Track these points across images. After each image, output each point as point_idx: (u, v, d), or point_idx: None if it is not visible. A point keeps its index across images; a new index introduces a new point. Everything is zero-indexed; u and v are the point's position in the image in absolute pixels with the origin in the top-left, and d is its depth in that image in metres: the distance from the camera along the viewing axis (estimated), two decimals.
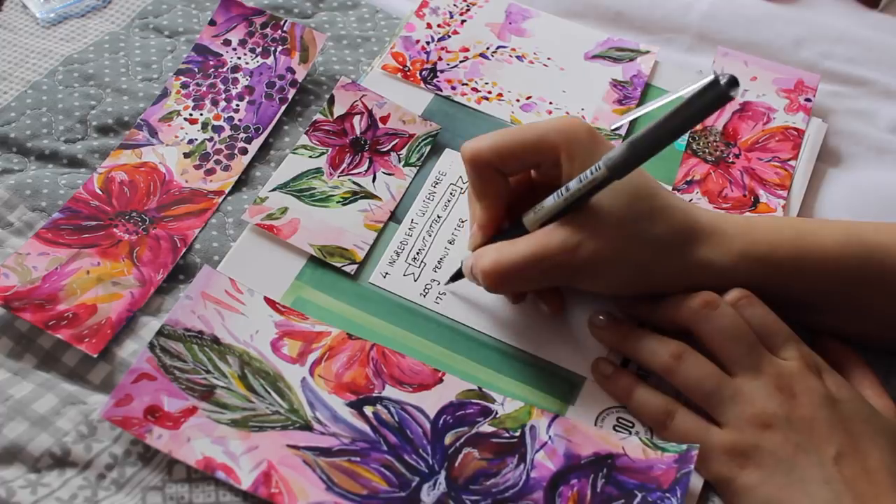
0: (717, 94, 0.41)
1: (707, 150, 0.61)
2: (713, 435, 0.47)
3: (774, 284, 0.49)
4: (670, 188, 0.59)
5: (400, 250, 0.55)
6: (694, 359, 0.48)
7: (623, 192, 0.48)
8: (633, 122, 0.63)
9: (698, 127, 0.62)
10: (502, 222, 0.52)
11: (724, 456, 0.46)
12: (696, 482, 0.47)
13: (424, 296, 0.54)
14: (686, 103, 0.42)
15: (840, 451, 0.45)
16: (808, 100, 0.64)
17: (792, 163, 0.61)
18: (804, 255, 0.49)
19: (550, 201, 0.48)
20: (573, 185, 0.47)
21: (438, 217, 0.57)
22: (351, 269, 0.54)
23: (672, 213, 0.49)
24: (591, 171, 0.46)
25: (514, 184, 0.52)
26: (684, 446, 0.47)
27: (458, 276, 0.53)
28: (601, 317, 0.52)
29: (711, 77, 0.41)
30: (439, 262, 0.55)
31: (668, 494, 0.46)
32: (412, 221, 0.57)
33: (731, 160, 0.61)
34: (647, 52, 0.66)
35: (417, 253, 0.55)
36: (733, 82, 0.41)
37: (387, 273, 0.54)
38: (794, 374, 0.47)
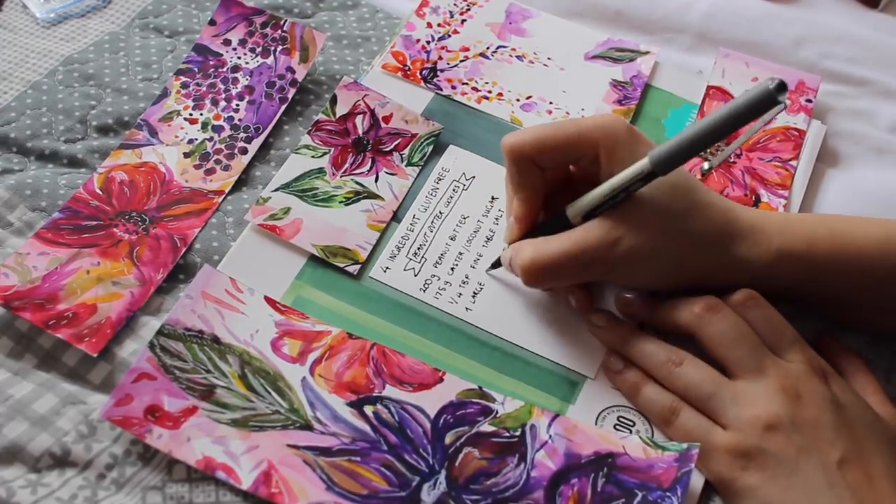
0: (763, 96, 0.42)
1: (708, 150, 0.61)
2: (716, 435, 0.47)
3: (812, 282, 0.50)
4: None
5: (401, 245, 0.55)
6: (693, 362, 0.49)
7: (663, 188, 0.48)
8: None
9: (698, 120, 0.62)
10: (538, 215, 0.52)
11: (726, 456, 0.46)
12: (697, 481, 0.47)
13: (424, 291, 0.54)
14: (734, 104, 0.43)
15: (844, 455, 0.45)
16: (808, 101, 0.64)
17: (793, 163, 0.61)
18: (842, 253, 0.49)
19: (593, 195, 0.49)
20: (617, 179, 0.48)
21: (440, 213, 0.57)
22: (354, 269, 0.54)
23: (711, 209, 0.49)
24: (637, 167, 0.47)
25: (550, 178, 0.52)
26: (685, 445, 0.47)
27: (497, 264, 0.54)
28: (600, 317, 0.52)
29: (763, 82, 0.42)
30: (440, 258, 0.55)
31: (668, 493, 0.46)
32: (414, 217, 0.57)
33: (732, 160, 0.61)
34: (647, 52, 0.66)
35: (419, 248, 0.55)
36: (782, 87, 0.42)
37: (387, 268, 0.54)
38: (799, 377, 0.47)
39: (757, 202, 0.59)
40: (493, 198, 0.58)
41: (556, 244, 0.49)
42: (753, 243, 0.49)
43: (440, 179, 0.58)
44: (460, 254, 0.55)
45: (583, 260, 0.48)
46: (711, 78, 0.65)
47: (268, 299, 0.52)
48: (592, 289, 0.54)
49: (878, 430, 0.46)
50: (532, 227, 0.52)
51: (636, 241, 0.48)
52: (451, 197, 0.58)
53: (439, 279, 0.54)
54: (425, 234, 0.56)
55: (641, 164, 0.47)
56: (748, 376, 0.47)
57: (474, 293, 0.54)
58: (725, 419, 0.47)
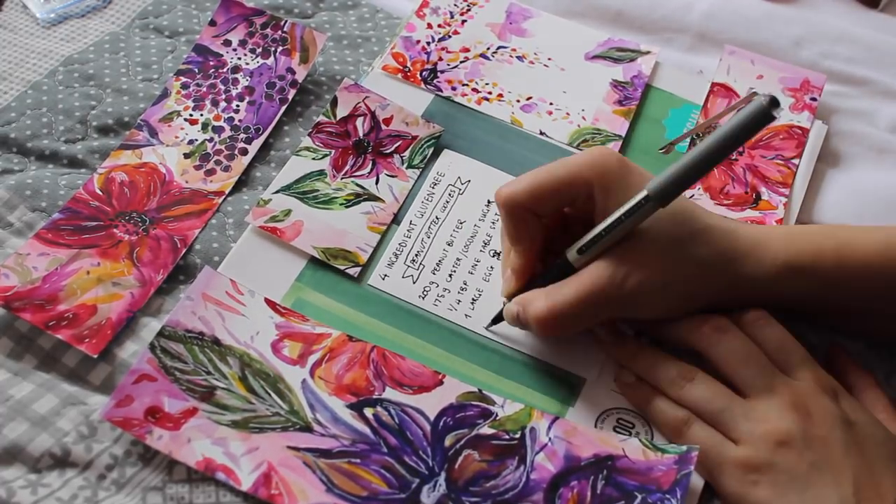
0: (759, 115, 0.42)
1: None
2: (728, 449, 0.46)
3: (818, 294, 0.50)
4: None
5: (399, 252, 0.55)
6: (704, 378, 0.48)
7: (663, 218, 0.48)
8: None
9: (701, 121, 0.62)
10: (537, 266, 0.51)
11: (737, 471, 0.46)
12: (697, 483, 0.47)
13: (423, 298, 0.54)
14: (728, 127, 0.43)
15: (855, 473, 0.45)
16: (813, 99, 0.64)
17: (795, 161, 0.61)
18: (847, 264, 0.49)
19: (594, 235, 0.48)
20: (616, 216, 0.47)
21: (437, 218, 0.57)
22: (354, 271, 0.54)
23: (713, 233, 0.49)
24: (635, 202, 0.46)
25: (547, 222, 0.51)
26: (684, 447, 0.47)
27: (498, 319, 0.52)
28: (607, 332, 0.52)
29: (755, 99, 0.42)
30: (438, 264, 0.55)
31: (668, 496, 0.46)
32: (410, 223, 0.57)
33: (734, 157, 0.61)
34: (648, 52, 0.66)
35: (416, 255, 0.55)
36: (774, 102, 0.42)
37: (386, 275, 0.54)
38: (809, 395, 0.47)
39: (757, 200, 0.59)
40: (488, 202, 0.58)
41: (569, 290, 0.48)
42: (758, 261, 0.49)
43: (436, 184, 0.58)
44: (458, 259, 0.55)
45: (597, 302, 0.48)
46: (716, 75, 0.65)
47: (268, 301, 0.52)
48: None
49: (889, 449, 0.46)
50: (530, 278, 0.51)
51: (643, 275, 0.47)
52: (447, 202, 0.58)
53: (438, 286, 0.54)
54: (423, 240, 0.56)
55: (641, 198, 0.46)
56: (758, 395, 0.47)
57: (473, 299, 0.54)
58: (737, 434, 0.47)
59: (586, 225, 0.49)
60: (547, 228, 0.51)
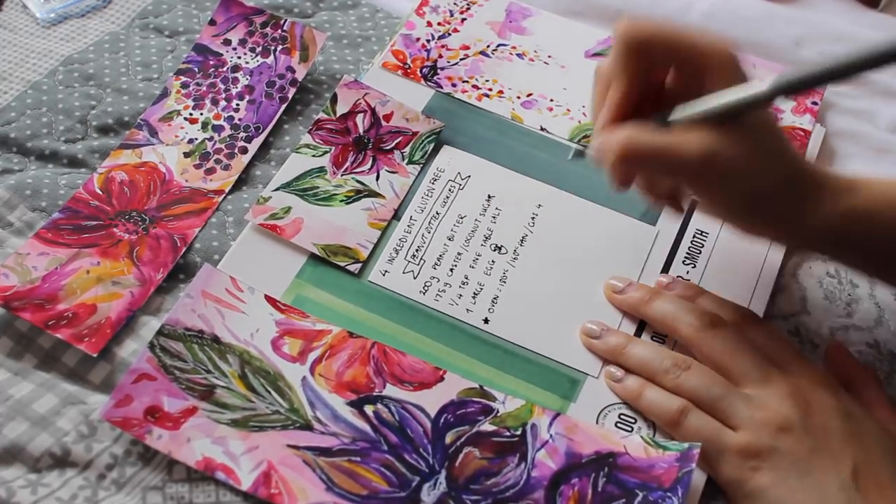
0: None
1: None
2: (727, 436, 0.46)
3: (875, 243, 0.49)
4: None
5: (399, 247, 0.55)
6: (700, 367, 0.48)
7: (761, 123, 0.46)
8: None
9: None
10: (629, 112, 0.49)
11: (737, 457, 0.46)
12: (698, 481, 0.47)
13: (424, 293, 0.54)
14: (867, 48, 0.42)
15: (855, 461, 0.45)
16: (814, 102, 0.64)
17: None
18: None
19: (705, 104, 0.47)
20: (732, 95, 0.46)
21: (437, 214, 0.57)
22: (355, 268, 0.54)
23: (795, 158, 0.48)
24: (757, 88, 0.45)
25: (645, 85, 0.49)
26: (686, 445, 0.47)
27: (581, 154, 0.52)
28: (594, 328, 0.52)
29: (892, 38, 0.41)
30: (439, 260, 0.55)
31: (669, 493, 0.45)
32: (411, 218, 0.57)
33: None
34: None
35: (417, 250, 0.55)
36: None
37: (386, 271, 0.54)
38: (806, 387, 0.47)
39: None
40: (489, 196, 0.58)
41: (654, 135, 0.47)
42: (821, 203, 0.48)
43: (435, 180, 0.58)
44: (459, 254, 0.55)
45: (677, 161, 0.46)
46: None
47: (268, 298, 0.52)
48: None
49: (886, 445, 0.46)
50: (623, 120, 0.49)
51: (733, 163, 0.46)
52: (448, 197, 0.58)
53: (439, 281, 0.54)
54: (423, 235, 0.56)
55: (769, 84, 0.45)
56: (755, 385, 0.47)
57: (474, 294, 0.54)
58: (736, 420, 0.47)
59: (682, 101, 0.47)
60: (643, 90, 0.49)
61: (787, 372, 0.48)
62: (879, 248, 0.50)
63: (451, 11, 0.67)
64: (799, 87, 0.45)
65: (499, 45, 0.66)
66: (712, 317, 0.49)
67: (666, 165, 0.47)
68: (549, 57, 0.65)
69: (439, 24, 0.66)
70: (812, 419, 0.46)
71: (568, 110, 0.63)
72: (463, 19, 0.67)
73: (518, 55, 0.65)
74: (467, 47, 0.65)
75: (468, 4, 0.68)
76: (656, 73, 0.50)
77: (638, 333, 0.53)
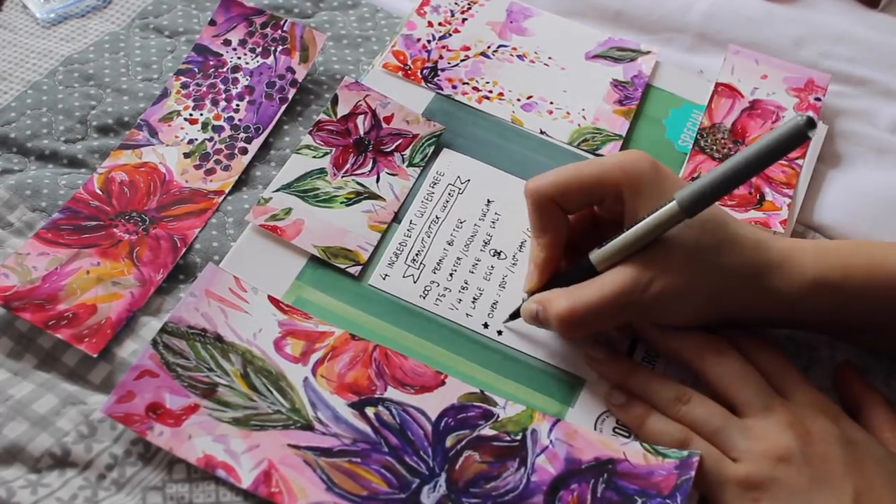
0: (794, 133, 0.42)
1: (714, 148, 0.61)
2: (727, 467, 0.46)
3: (846, 311, 0.49)
4: None
5: (399, 252, 0.55)
6: (700, 399, 0.48)
7: (692, 225, 0.47)
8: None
9: (706, 123, 0.62)
10: (560, 263, 0.51)
11: (737, 488, 0.45)
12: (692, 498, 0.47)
13: (424, 297, 0.54)
14: (764, 142, 0.43)
15: (856, 490, 0.44)
16: (818, 99, 0.64)
17: (799, 161, 0.61)
18: (877, 282, 0.48)
19: (619, 240, 0.48)
20: (643, 223, 0.47)
21: (437, 217, 0.57)
22: (355, 270, 0.54)
23: (742, 243, 0.48)
24: (664, 210, 0.46)
25: (575, 221, 0.52)
26: (685, 452, 0.47)
27: (515, 315, 0.52)
28: (599, 350, 0.51)
29: (793, 118, 0.42)
30: (438, 264, 0.55)
31: (668, 500, 0.45)
32: (410, 222, 0.57)
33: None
34: (648, 52, 0.66)
35: (417, 254, 0.55)
36: (811, 123, 0.42)
37: (386, 275, 0.54)
38: (807, 415, 0.47)
39: (761, 201, 0.59)
40: (488, 201, 0.58)
41: (591, 291, 0.48)
42: (787, 275, 0.48)
43: (435, 184, 0.58)
44: (458, 259, 0.55)
45: (619, 305, 0.47)
46: (720, 75, 0.65)
47: (271, 299, 0.52)
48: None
49: (889, 467, 0.46)
50: (553, 274, 0.51)
51: (667, 281, 0.47)
52: (447, 201, 0.58)
53: (438, 285, 0.54)
54: (423, 239, 0.56)
55: (670, 208, 0.46)
56: (755, 414, 0.47)
57: (474, 299, 0.54)
58: (736, 452, 0.46)
59: (617, 227, 0.49)
60: (574, 226, 0.51)
61: (788, 399, 0.48)
62: (849, 314, 0.49)
63: (451, 11, 0.67)
64: (704, 200, 0.45)
65: (499, 46, 0.66)
66: (718, 344, 0.49)
67: (609, 317, 0.48)
68: (550, 58, 0.65)
69: (440, 24, 0.66)
70: (812, 448, 0.45)
71: (568, 113, 0.63)
72: (464, 19, 0.67)
73: (518, 56, 0.65)
74: (468, 48, 0.65)
75: (469, 4, 0.68)
76: (581, 216, 0.52)
77: (631, 348, 0.53)
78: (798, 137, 0.42)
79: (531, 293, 0.51)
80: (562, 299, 0.48)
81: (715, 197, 0.45)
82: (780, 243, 0.49)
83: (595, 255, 0.49)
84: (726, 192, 0.45)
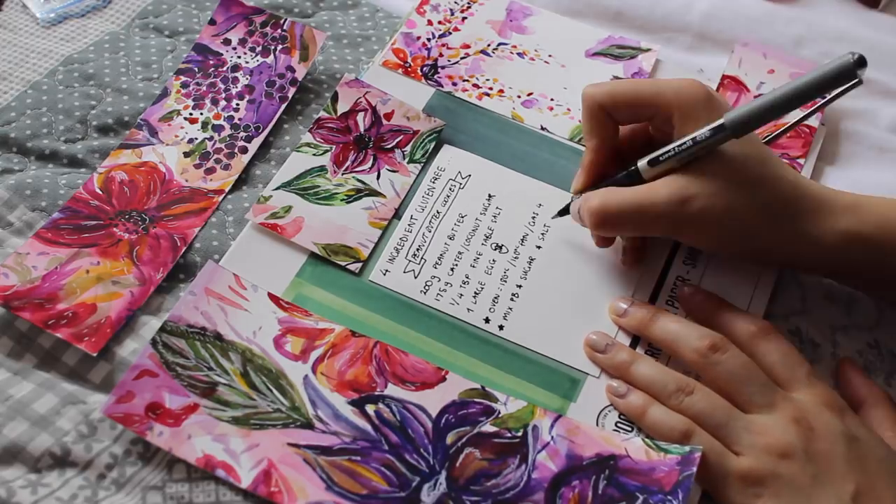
0: (843, 68, 0.43)
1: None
2: (730, 461, 0.46)
3: (877, 265, 0.50)
4: None
5: (400, 247, 0.55)
6: (704, 391, 0.48)
7: (738, 154, 0.49)
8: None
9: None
10: (606, 167, 0.53)
11: (739, 483, 0.45)
12: (693, 493, 0.47)
13: (425, 293, 0.53)
14: (814, 74, 0.44)
15: (857, 488, 0.44)
16: (823, 95, 0.64)
17: (801, 160, 0.61)
18: None
19: (666, 152, 0.50)
20: (691, 139, 0.48)
21: (438, 213, 0.57)
22: (355, 267, 0.54)
23: (781, 182, 0.49)
24: (711, 127, 0.48)
25: (630, 133, 0.54)
26: (687, 448, 0.46)
27: (564, 212, 0.55)
28: (600, 340, 0.51)
29: (844, 56, 0.43)
30: (439, 259, 0.55)
31: (669, 497, 0.45)
32: (411, 217, 0.56)
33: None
34: (649, 49, 0.66)
35: (417, 249, 0.55)
36: (861, 62, 0.43)
37: (387, 270, 0.54)
38: (811, 410, 0.47)
39: None
40: (489, 196, 0.58)
41: (624, 195, 0.50)
42: (821, 222, 0.49)
43: (436, 179, 0.58)
44: (459, 254, 0.55)
45: (650, 214, 0.49)
46: (728, 68, 0.66)
47: (271, 296, 0.52)
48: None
49: (892, 465, 0.46)
50: (600, 177, 0.53)
51: (707, 202, 0.48)
52: (448, 196, 0.58)
53: (440, 280, 0.54)
54: (424, 234, 0.56)
55: (716, 124, 0.48)
56: (759, 411, 0.47)
57: (475, 293, 0.54)
58: (739, 446, 0.46)
59: (667, 144, 0.50)
60: (629, 138, 0.53)
61: (792, 394, 0.48)
62: (880, 268, 0.50)
63: (451, 10, 0.67)
64: (751, 122, 0.47)
65: (499, 44, 0.66)
66: (717, 340, 0.49)
67: (640, 222, 0.50)
68: (550, 56, 0.65)
69: (440, 22, 0.66)
70: (815, 445, 0.45)
71: (568, 109, 0.63)
72: (464, 18, 0.67)
73: (518, 54, 0.65)
74: (468, 46, 0.65)
75: (469, 3, 0.68)
76: (637, 130, 0.54)
77: (633, 343, 0.52)
78: (847, 73, 0.43)
79: (577, 193, 0.54)
80: (596, 196, 0.51)
81: (761, 120, 0.47)
82: (819, 191, 0.50)
83: (642, 163, 0.51)
84: (773, 118, 0.47)
